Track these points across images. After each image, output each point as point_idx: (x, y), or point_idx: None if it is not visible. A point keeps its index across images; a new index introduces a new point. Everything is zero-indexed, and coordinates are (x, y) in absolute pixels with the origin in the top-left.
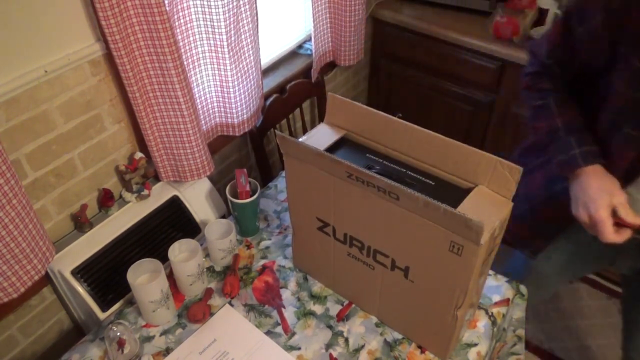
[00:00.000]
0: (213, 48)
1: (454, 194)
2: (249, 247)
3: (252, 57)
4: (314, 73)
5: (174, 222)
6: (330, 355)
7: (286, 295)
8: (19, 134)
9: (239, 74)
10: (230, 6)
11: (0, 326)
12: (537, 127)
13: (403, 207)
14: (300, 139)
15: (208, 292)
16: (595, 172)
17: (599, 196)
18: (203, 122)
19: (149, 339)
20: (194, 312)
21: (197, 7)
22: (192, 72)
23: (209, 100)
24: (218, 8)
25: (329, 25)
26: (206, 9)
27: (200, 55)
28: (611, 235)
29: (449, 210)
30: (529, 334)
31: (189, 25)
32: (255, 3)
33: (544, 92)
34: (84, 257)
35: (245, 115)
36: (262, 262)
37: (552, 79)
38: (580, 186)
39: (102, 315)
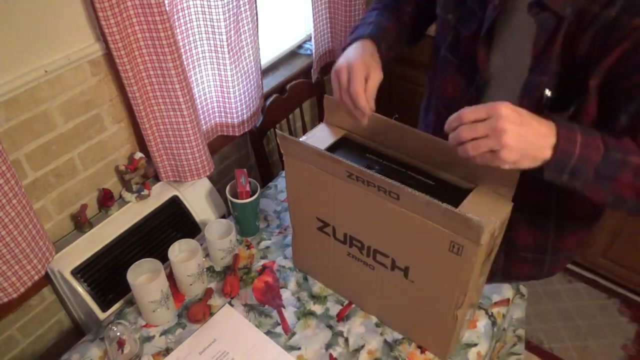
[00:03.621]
0: (213, 48)
1: (454, 194)
2: (249, 247)
3: (252, 57)
4: (314, 73)
5: (174, 222)
6: (330, 355)
7: (286, 295)
8: (19, 134)
9: (239, 74)
10: (230, 6)
11: (0, 326)
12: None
13: (403, 207)
14: (300, 139)
15: (208, 292)
16: (365, 44)
17: (359, 53)
18: (203, 122)
19: (149, 339)
20: (194, 312)
21: (197, 7)
22: (192, 72)
23: (209, 100)
24: (218, 8)
25: (329, 25)
26: (206, 9)
27: (200, 55)
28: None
29: (449, 210)
30: (529, 334)
31: (189, 25)
32: (255, 3)
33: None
34: (83, 257)
35: (245, 115)
36: (262, 262)
37: (387, 5)
38: (348, 50)
39: (102, 315)
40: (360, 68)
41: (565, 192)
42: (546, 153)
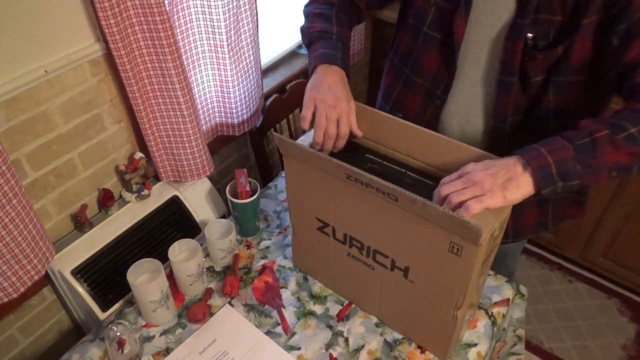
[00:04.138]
0: (213, 48)
1: None
2: (249, 247)
3: (252, 57)
4: None
5: (174, 222)
6: (330, 355)
7: (286, 295)
8: (19, 134)
9: (239, 74)
10: (230, 6)
11: (0, 326)
12: (310, 28)
13: (402, 208)
14: (299, 139)
15: (208, 292)
16: (344, 77)
17: (346, 93)
18: (203, 122)
19: (149, 339)
20: (194, 312)
21: (197, 7)
22: (192, 72)
23: (209, 100)
24: (218, 8)
25: None
26: (206, 9)
27: (200, 55)
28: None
29: (447, 213)
30: (528, 334)
31: (189, 25)
32: (255, 3)
33: (329, 5)
34: (84, 257)
35: (245, 115)
36: (262, 262)
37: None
38: (331, 78)
39: (102, 315)
40: (349, 112)
41: (557, 125)
42: (525, 178)
